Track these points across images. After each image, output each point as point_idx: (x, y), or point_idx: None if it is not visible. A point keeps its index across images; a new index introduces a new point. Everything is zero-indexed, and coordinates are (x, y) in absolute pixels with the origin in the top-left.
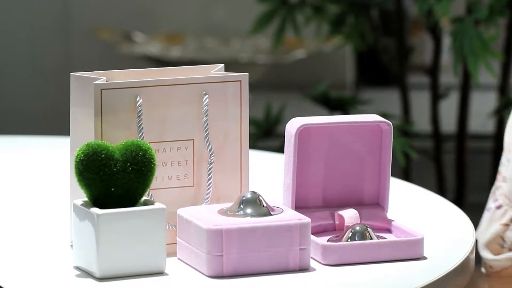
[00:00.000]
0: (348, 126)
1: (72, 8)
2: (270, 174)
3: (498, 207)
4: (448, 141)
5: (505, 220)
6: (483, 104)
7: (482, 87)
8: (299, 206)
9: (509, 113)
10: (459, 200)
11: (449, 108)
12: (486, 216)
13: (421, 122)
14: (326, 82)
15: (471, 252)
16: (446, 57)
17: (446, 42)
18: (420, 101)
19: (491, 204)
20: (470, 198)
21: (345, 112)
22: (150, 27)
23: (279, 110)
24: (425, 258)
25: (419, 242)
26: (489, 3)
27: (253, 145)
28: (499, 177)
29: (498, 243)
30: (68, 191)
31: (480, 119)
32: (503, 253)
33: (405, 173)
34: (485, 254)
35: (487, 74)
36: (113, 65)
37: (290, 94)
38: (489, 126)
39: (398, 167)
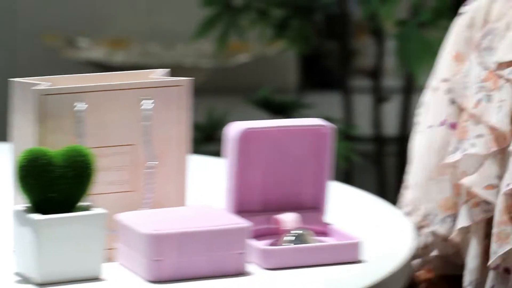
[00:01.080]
0: (289, 130)
1: (17, 13)
2: (213, 179)
3: (407, 214)
4: (390, 144)
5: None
6: None
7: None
8: (241, 210)
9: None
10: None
11: (391, 111)
12: None
13: (364, 125)
14: (269, 86)
15: (410, 255)
16: (389, 60)
17: (390, 45)
18: (363, 105)
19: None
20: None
21: (288, 116)
22: (95, 32)
23: (222, 114)
24: (364, 261)
25: (356, 246)
26: (433, 6)
27: (196, 149)
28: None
29: None
30: (11, 197)
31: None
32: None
33: (347, 176)
34: None
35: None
36: (58, 70)
37: (234, 98)
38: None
39: (340, 171)
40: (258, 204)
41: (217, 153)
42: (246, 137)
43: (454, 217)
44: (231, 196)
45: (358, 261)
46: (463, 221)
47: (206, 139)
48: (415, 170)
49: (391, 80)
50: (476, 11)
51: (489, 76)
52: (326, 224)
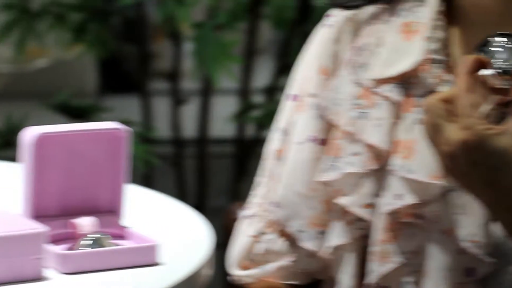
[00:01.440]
0: (84, 134)
1: None
2: (11, 184)
3: (248, 217)
4: (190, 146)
5: (254, 231)
6: (224, 109)
7: (224, 92)
8: (38, 215)
9: (250, 117)
10: (200, 205)
11: (190, 114)
12: (237, 227)
13: (163, 128)
14: (67, 90)
15: (208, 258)
16: (188, 63)
17: (187, 47)
18: (162, 107)
19: (242, 214)
20: (212, 203)
21: (87, 120)
22: None
23: (21, 119)
24: (162, 264)
25: (153, 249)
26: (229, 8)
27: None
28: (255, 186)
29: (247, 257)
30: None
31: (221, 123)
32: (251, 268)
33: (147, 180)
34: (233, 269)
35: (228, 79)
36: None
37: (33, 103)
38: (230, 131)
39: (139, 174)
40: (56, 208)
41: (15, 159)
42: (41, 142)
43: (323, 233)
44: (28, 201)
45: (156, 264)
46: (337, 238)
47: (5, 145)
48: (282, 187)
49: (190, 83)
50: (343, 26)
51: (364, 93)
52: (124, 228)
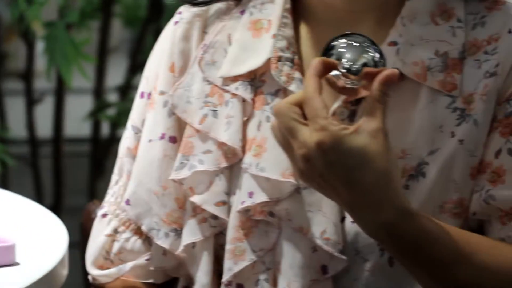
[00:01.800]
0: None
1: None
2: None
3: (104, 216)
4: (45, 146)
5: (109, 230)
6: (79, 108)
7: (78, 91)
8: None
9: (104, 116)
10: (57, 205)
11: (45, 113)
12: (93, 226)
13: (18, 128)
14: None
15: (62, 258)
16: (41, 62)
17: (40, 47)
18: (17, 107)
19: (98, 212)
20: (69, 202)
21: None
22: None
23: None
24: (18, 264)
25: (10, 249)
26: (80, 7)
27: None
28: (111, 184)
29: (103, 256)
30: None
31: (76, 122)
32: (108, 268)
33: (2, 180)
34: (90, 269)
35: (82, 78)
36: None
37: None
38: (85, 130)
39: None
40: None
41: None
42: None
43: (178, 231)
44: None
45: (15, 264)
46: (190, 236)
47: None
48: (134, 185)
49: (44, 82)
50: (192, 23)
51: (214, 91)
52: None
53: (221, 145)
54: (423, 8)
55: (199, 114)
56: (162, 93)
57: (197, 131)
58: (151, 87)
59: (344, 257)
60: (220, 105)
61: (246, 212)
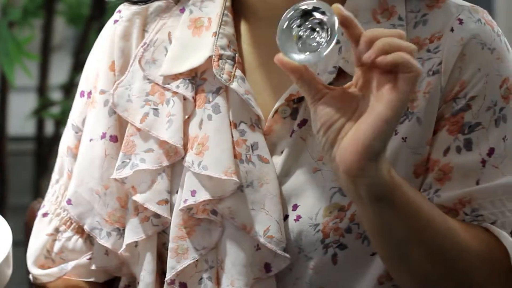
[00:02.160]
0: None
1: None
2: None
3: (44, 215)
4: None
5: (51, 229)
6: (22, 106)
7: (21, 89)
8: None
9: (48, 114)
10: (1, 204)
11: None
12: (34, 225)
13: None
14: None
15: (5, 257)
16: None
17: None
18: None
19: (39, 212)
20: (13, 201)
21: None
22: None
23: None
24: None
25: None
26: (23, 4)
27: None
28: (51, 183)
29: (44, 255)
30: None
31: (20, 121)
32: (50, 267)
33: None
34: (31, 268)
35: (25, 76)
36: None
37: None
38: (29, 128)
39: None
40: None
41: None
42: None
43: (120, 230)
44: None
45: None
46: (132, 235)
47: None
48: (76, 184)
49: None
50: (131, 21)
51: (155, 89)
52: None
53: (162, 143)
54: (365, 5)
55: (140, 112)
56: (102, 92)
57: (138, 129)
58: (91, 86)
59: (287, 255)
60: (161, 104)
61: (188, 210)
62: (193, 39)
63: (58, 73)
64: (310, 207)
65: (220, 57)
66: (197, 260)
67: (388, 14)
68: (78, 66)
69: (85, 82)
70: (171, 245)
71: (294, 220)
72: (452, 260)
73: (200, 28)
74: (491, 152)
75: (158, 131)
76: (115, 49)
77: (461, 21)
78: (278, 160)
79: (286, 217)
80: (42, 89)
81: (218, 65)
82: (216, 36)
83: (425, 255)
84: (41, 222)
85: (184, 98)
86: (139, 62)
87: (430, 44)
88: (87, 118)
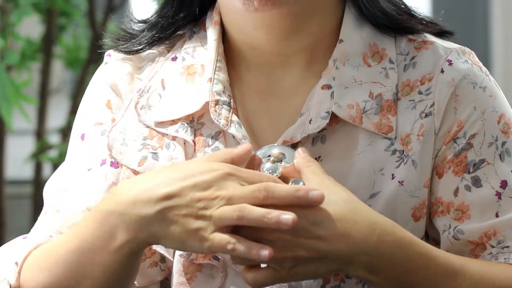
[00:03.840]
0: None
1: None
2: None
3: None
4: None
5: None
6: (20, 149)
7: (19, 132)
8: None
9: (46, 157)
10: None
11: None
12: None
13: None
14: None
15: None
16: None
17: None
18: None
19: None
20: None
21: None
22: None
23: None
24: None
25: None
26: (20, 48)
27: None
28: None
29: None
30: None
31: (18, 164)
32: None
33: None
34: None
35: (23, 119)
36: None
37: None
38: (27, 172)
39: None
40: None
41: None
42: None
43: None
44: None
45: None
46: (141, 280)
47: None
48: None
49: None
50: (121, 65)
51: (153, 134)
52: None
53: None
54: (355, 50)
55: (138, 156)
56: (99, 123)
57: (136, 172)
58: (87, 125)
59: None
60: (160, 148)
61: (188, 256)
62: (187, 85)
63: (56, 117)
64: None
65: (217, 102)
66: None
67: (378, 58)
68: (76, 109)
69: (79, 124)
70: None
71: None
72: None
73: (193, 75)
74: (503, 184)
75: None
76: (109, 90)
77: (450, 62)
78: None
79: None
80: (40, 132)
81: (216, 110)
82: (212, 82)
83: None
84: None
85: (184, 142)
86: (135, 107)
87: (421, 86)
88: (80, 152)
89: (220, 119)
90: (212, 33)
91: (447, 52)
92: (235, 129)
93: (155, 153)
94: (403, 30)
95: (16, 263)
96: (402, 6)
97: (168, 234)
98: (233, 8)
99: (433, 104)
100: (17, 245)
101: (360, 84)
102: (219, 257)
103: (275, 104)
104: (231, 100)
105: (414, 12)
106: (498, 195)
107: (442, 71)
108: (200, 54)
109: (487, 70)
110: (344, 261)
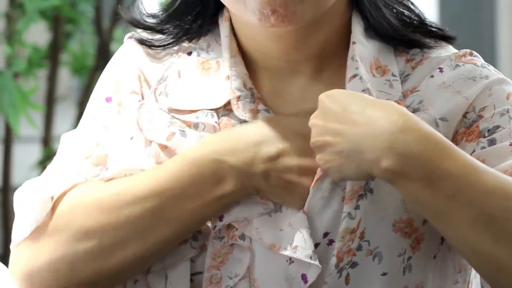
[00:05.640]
0: None
1: None
2: None
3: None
4: None
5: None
6: (27, 156)
7: (26, 139)
8: None
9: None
10: (6, 253)
11: None
12: None
13: None
14: None
15: None
16: None
17: None
18: None
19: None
20: None
21: None
22: None
23: None
24: None
25: None
26: (27, 56)
27: None
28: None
29: None
30: None
31: (25, 171)
32: None
33: None
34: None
35: (30, 126)
36: None
37: None
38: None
39: None
40: None
41: None
42: None
43: None
44: None
45: None
46: (170, 257)
47: None
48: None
49: None
50: (145, 52)
51: (173, 118)
52: None
53: None
54: (368, 56)
55: (166, 131)
56: (135, 92)
57: (164, 147)
58: (118, 91)
59: (316, 262)
60: (188, 127)
61: (220, 239)
62: (202, 79)
63: (63, 124)
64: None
65: (238, 98)
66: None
67: (381, 71)
68: (82, 116)
69: (108, 86)
70: (205, 275)
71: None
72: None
73: (208, 70)
74: None
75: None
76: (137, 67)
77: (441, 70)
78: None
79: (317, 244)
80: (46, 139)
81: (239, 106)
82: (230, 80)
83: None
84: None
85: (210, 124)
86: (154, 92)
87: (411, 94)
88: (120, 119)
89: (245, 113)
90: (223, 29)
91: (440, 62)
92: (262, 117)
93: (183, 131)
94: (408, 42)
95: (52, 198)
96: (407, 18)
97: (271, 190)
98: (247, 23)
99: (421, 101)
100: (39, 184)
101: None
102: (246, 235)
103: (286, 106)
104: (255, 91)
105: (419, 22)
106: None
107: (432, 76)
108: (215, 50)
109: (484, 63)
110: (368, 146)
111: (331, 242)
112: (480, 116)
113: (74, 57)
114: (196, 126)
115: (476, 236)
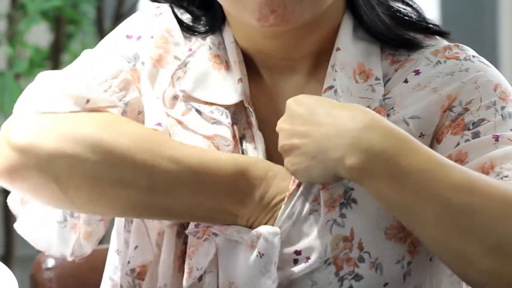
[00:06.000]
0: None
1: None
2: None
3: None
4: None
5: None
6: None
7: None
8: None
9: None
10: (8, 255)
11: None
12: None
13: None
14: None
15: None
16: None
17: None
18: None
19: None
20: (20, 252)
21: None
22: None
23: None
24: None
25: None
26: (29, 56)
27: None
28: None
29: None
30: None
31: None
32: None
33: None
34: None
35: None
36: None
37: None
38: None
39: None
40: None
41: None
42: None
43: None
44: None
45: None
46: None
47: None
48: None
49: None
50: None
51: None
52: None
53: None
54: (350, 62)
55: (182, 106)
56: (159, 46)
57: (180, 122)
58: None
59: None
60: (202, 104)
61: (195, 234)
62: (214, 72)
63: None
64: (318, 247)
65: (248, 103)
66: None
67: (365, 77)
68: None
69: (134, 26)
70: (187, 261)
71: (304, 262)
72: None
73: (219, 65)
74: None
75: (199, 128)
76: (166, 31)
77: (417, 72)
78: None
79: (295, 261)
80: None
81: (245, 111)
82: (242, 83)
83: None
84: None
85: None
86: (172, 77)
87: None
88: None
89: (248, 118)
90: (228, 36)
91: (416, 63)
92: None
93: (197, 109)
94: (399, 42)
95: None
96: (403, 15)
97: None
98: (246, 23)
99: (392, 107)
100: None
101: (350, 95)
102: (217, 234)
103: (282, 105)
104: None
105: (417, 17)
106: (496, 138)
107: (406, 81)
108: (224, 49)
109: (470, 55)
110: (333, 145)
111: (307, 259)
112: (466, 109)
113: (76, 57)
114: (211, 111)
115: (443, 232)
